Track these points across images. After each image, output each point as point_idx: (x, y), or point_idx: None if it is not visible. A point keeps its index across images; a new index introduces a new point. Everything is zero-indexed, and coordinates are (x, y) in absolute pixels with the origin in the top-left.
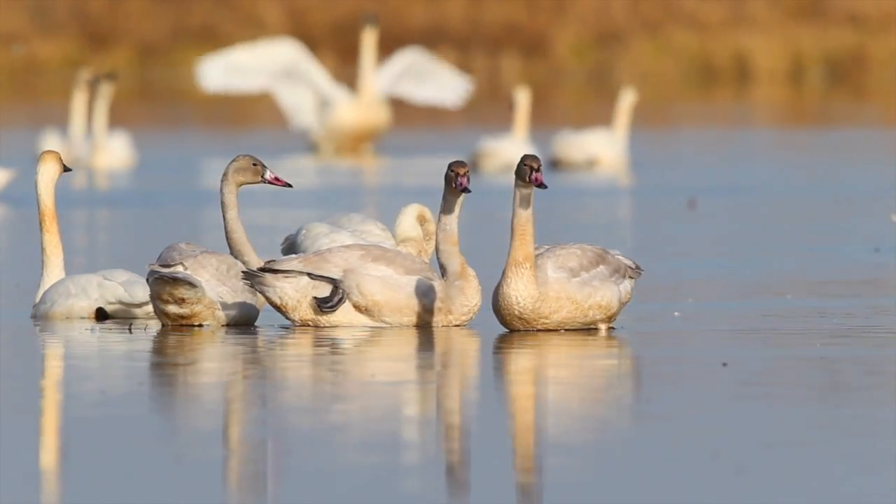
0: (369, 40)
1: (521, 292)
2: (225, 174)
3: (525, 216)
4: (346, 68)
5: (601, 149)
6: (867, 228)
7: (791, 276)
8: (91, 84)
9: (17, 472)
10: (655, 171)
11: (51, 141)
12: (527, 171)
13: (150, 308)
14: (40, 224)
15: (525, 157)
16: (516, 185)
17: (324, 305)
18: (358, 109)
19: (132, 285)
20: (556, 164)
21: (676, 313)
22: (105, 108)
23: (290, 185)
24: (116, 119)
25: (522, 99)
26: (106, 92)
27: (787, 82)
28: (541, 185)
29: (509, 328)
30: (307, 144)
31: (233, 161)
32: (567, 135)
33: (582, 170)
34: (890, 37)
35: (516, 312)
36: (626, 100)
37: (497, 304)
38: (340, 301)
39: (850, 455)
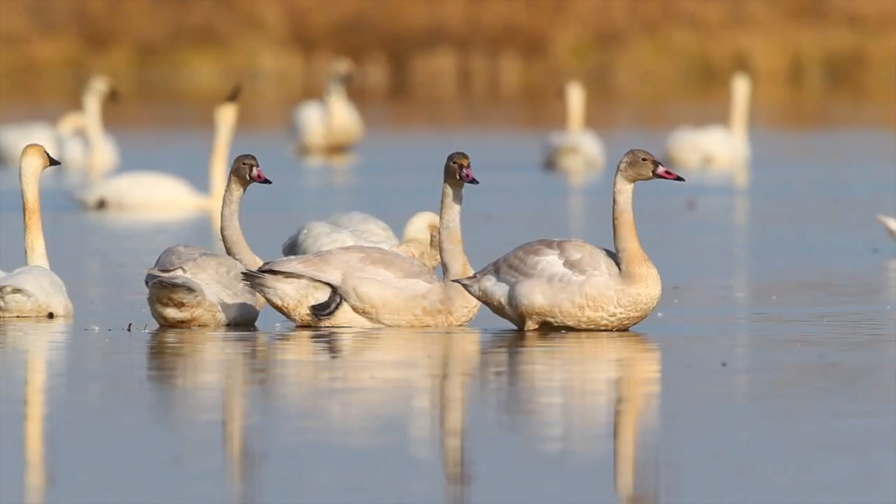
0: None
1: (659, 291)
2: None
3: (631, 212)
4: None
5: (717, 148)
6: (866, 229)
7: (790, 276)
8: (101, 92)
9: (14, 473)
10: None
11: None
12: (652, 167)
13: None
14: (24, 217)
15: (638, 152)
16: (628, 180)
17: (320, 313)
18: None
19: None
20: (670, 163)
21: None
22: (98, 111)
23: (269, 181)
24: (117, 120)
25: (575, 94)
26: (100, 97)
27: (786, 82)
28: (678, 179)
29: (614, 327)
30: (301, 146)
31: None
32: (683, 133)
33: (698, 169)
34: (889, 37)
35: (650, 311)
36: (741, 89)
37: (634, 303)
38: (336, 308)
39: (850, 456)
